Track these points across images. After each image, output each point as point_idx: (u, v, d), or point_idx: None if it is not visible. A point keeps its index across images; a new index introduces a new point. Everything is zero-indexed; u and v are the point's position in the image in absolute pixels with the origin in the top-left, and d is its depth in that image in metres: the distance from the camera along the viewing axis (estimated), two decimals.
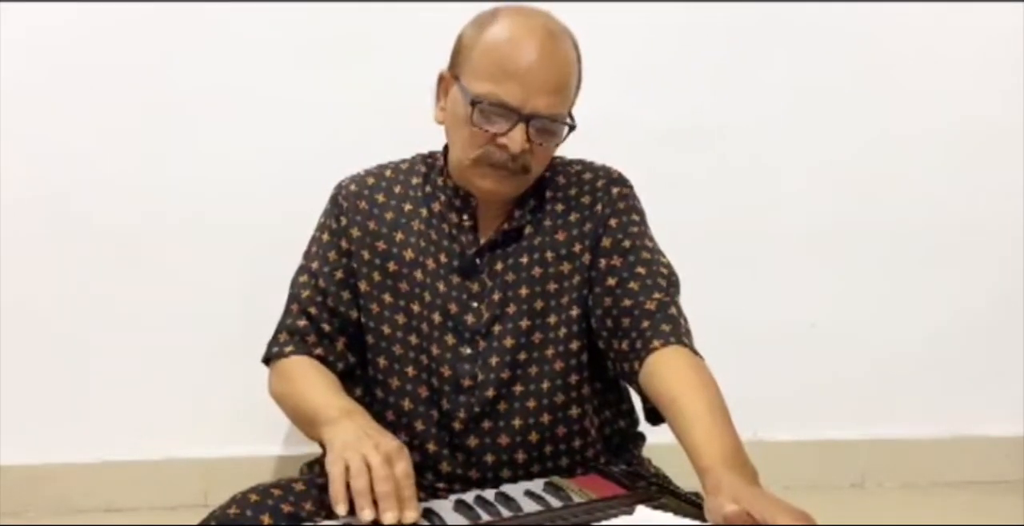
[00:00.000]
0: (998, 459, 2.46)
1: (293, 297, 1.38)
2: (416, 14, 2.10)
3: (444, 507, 1.14)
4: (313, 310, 1.35)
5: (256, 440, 2.19)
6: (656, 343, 1.21)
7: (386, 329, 1.33)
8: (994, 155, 2.37)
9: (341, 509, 1.05)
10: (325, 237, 1.37)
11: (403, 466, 1.08)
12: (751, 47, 2.25)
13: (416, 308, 1.32)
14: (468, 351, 1.30)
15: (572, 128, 1.27)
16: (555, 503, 1.14)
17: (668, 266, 1.33)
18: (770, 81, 2.27)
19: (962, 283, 2.42)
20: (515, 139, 1.22)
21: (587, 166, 1.39)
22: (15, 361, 2.11)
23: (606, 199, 1.34)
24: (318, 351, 1.34)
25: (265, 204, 2.12)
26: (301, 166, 2.11)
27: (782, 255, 2.33)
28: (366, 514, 1.03)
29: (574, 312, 1.32)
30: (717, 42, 2.24)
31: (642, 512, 1.07)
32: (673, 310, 1.27)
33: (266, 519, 1.18)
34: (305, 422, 1.26)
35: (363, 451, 1.07)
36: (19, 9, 2.01)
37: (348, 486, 1.06)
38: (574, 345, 1.32)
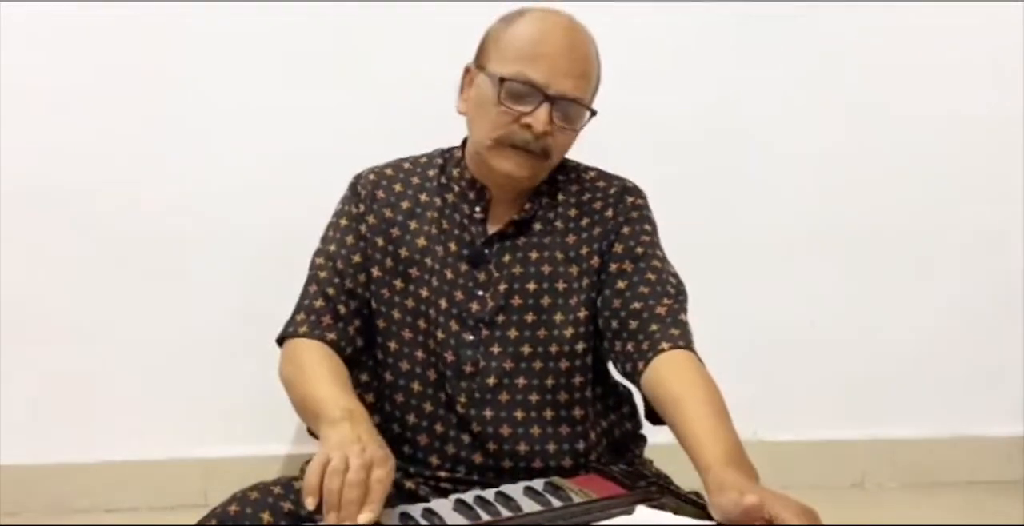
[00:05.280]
0: (998, 459, 2.46)
1: (312, 278, 1.39)
2: (413, 18, 2.10)
3: (444, 507, 1.14)
4: (331, 291, 1.36)
5: (256, 440, 2.19)
6: (665, 345, 1.24)
7: (396, 314, 1.36)
8: (994, 156, 2.37)
9: (310, 502, 1.04)
10: (343, 222, 1.40)
11: (380, 473, 1.06)
12: (753, 48, 2.25)
13: (425, 293, 1.34)
14: (471, 338, 1.33)
15: (593, 114, 1.33)
16: (555, 503, 1.14)
17: (677, 277, 1.36)
18: (772, 82, 2.27)
19: (961, 283, 2.42)
20: (539, 118, 1.26)
21: (602, 174, 1.43)
22: (15, 361, 2.11)
23: (620, 207, 1.37)
24: (331, 336, 1.34)
25: (266, 206, 2.12)
26: (305, 169, 2.11)
27: (782, 254, 2.33)
28: (331, 517, 1.02)
29: (582, 314, 1.34)
30: (719, 44, 2.24)
31: (642, 512, 1.07)
32: (683, 317, 1.30)
33: (266, 517, 1.18)
34: (309, 414, 1.25)
35: (348, 453, 1.07)
36: (20, 10, 2.01)
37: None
38: (580, 347, 1.34)
